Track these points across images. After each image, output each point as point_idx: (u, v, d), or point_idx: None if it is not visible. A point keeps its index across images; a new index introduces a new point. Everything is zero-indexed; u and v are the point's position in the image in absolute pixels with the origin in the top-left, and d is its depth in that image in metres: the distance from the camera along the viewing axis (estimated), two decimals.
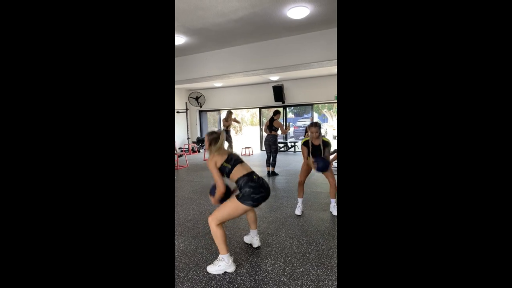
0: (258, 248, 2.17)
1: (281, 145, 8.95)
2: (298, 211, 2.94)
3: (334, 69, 6.72)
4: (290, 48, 4.26)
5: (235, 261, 1.97)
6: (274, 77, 7.78)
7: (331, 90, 7.68)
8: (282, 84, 8.16)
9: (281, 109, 8.84)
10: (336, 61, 4.07)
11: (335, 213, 2.88)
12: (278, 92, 8.13)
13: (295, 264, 1.91)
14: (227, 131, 6.46)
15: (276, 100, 8.28)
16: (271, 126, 5.07)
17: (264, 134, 5.36)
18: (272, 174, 5.07)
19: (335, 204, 2.94)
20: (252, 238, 2.20)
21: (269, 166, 5.13)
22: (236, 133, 19.90)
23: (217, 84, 8.57)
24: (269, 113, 9.51)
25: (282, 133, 5.17)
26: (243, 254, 2.08)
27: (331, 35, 3.92)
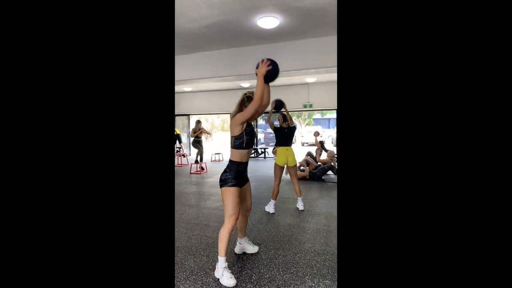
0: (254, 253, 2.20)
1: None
2: (271, 209, 3.25)
3: (303, 78, 6.98)
4: (260, 56, 4.33)
5: (202, 270, 1.93)
6: (245, 84, 7.85)
7: (301, 99, 7.93)
8: (253, 91, 8.25)
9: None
10: (304, 70, 4.23)
11: (300, 208, 3.33)
12: (250, 98, 8.19)
13: (262, 271, 1.92)
14: (198, 140, 6.39)
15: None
16: None
17: None
18: None
19: (301, 200, 3.38)
20: (242, 245, 2.19)
21: None
22: (206, 138, 19.59)
23: (187, 88, 8.42)
24: None
25: None
26: (210, 262, 2.05)
27: (300, 46, 4.07)
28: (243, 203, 2.03)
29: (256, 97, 1.73)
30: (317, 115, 22.06)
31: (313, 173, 5.12)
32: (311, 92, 7.87)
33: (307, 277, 1.84)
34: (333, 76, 6.86)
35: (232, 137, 1.86)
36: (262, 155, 9.16)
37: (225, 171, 1.88)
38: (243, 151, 1.86)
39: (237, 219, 1.82)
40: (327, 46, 3.86)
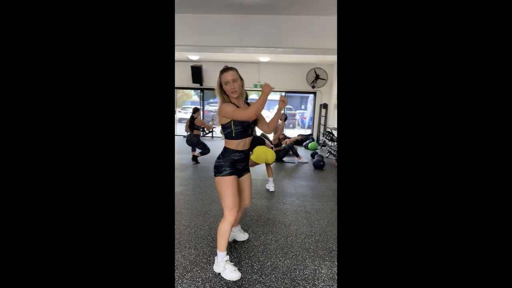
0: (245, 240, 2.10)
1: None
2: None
3: (256, 57, 6.80)
4: (227, 27, 3.97)
5: (196, 265, 1.72)
6: (194, 57, 7.22)
7: (252, 78, 7.75)
8: (201, 65, 7.69)
9: (199, 92, 8.39)
10: (262, 48, 4.05)
11: (271, 189, 3.31)
12: (197, 73, 7.64)
13: (261, 259, 1.83)
14: None
15: (194, 81, 7.77)
16: (192, 125, 4.67)
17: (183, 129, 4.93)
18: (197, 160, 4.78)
19: (272, 182, 3.37)
20: (234, 233, 2.05)
21: (195, 151, 4.88)
22: None
23: None
24: (182, 94, 8.82)
25: (207, 130, 4.93)
26: (200, 255, 1.84)
27: (273, 22, 3.86)
28: (240, 196, 1.76)
29: (252, 112, 1.50)
30: (254, 95, 22.27)
31: (277, 154, 5.17)
32: (262, 72, 7.78)
33: (307, 260, 1.84)
34: (289, 58, 6.90)
35: (220, 124, 1.65)
36: (209, 135, 8.80)
37: (218, 157, 1.65)
38: (235, 141, 1.62)
39: (238, 211, 1.64)
40: (302, 26, 3.77)
